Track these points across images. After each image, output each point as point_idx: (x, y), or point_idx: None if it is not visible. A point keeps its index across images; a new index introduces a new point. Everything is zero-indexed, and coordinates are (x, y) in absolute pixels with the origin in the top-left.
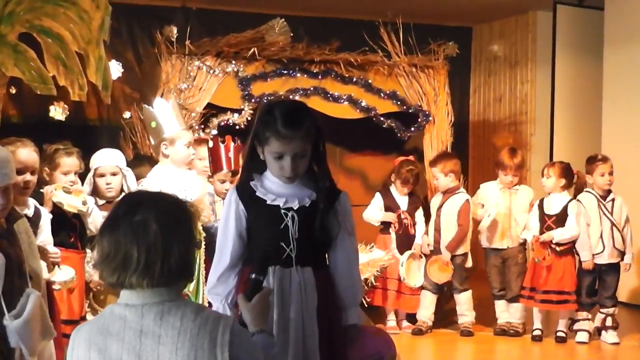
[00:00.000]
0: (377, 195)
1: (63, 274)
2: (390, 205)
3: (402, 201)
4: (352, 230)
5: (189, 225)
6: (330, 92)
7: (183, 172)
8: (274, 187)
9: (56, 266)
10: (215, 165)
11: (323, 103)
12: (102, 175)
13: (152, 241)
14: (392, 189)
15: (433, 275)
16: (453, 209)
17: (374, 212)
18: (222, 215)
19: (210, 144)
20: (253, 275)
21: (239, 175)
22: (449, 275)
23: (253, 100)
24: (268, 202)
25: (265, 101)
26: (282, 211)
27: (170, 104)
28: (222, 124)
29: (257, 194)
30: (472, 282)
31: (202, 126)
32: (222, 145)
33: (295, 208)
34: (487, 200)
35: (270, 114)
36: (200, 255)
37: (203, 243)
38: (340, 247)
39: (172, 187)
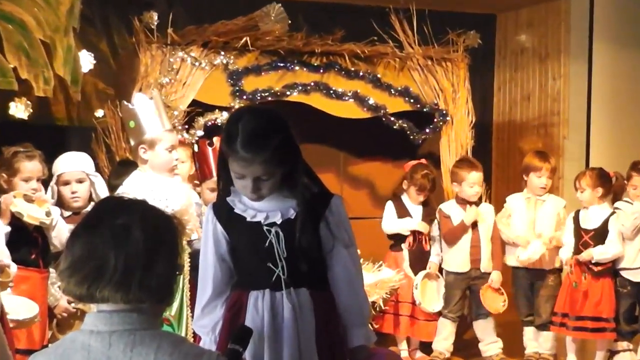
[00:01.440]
0: (389, 204)
1: (23, 310)
2: (403, 217)
3: (416, 211)
4: (350, 240)
5: (175, 242)
6: (333, 88)
7: (164, 179)
8: (253, 201)
9: (8, 287)
10: (202, 171)
11: (325, 100)
12: (66, 183)
13: (133, 249)
14: (405, 197)
15: (490, 304)
16: (483, 221)
17: (396, 222)
18: (202, 237)
19: (197, 147)
20: (231, 346)
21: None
22: (505, 302)
23: (245, 97)
24: (248, 219)
25: (240, 108)
26: (265, 228)
27: (153, 100)
28: (209, 124)
29: (235, 210)
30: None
31: (187, 126)
32: (209, 149)
33: (278, 222)
34: (513, 213)
35: (235, 125)
36: (185, 275)
37: (188, 261)
38: (337, 262)
39: (152, 196)
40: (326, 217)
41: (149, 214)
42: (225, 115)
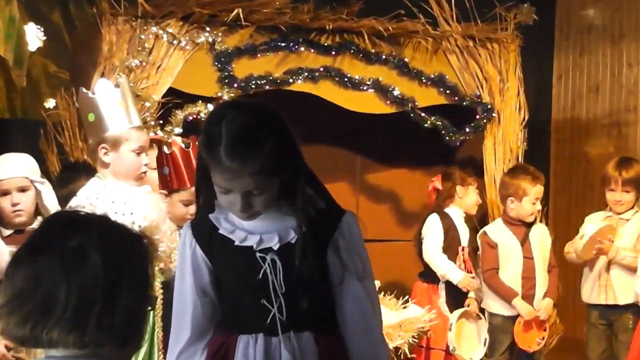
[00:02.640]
0: (433, 219)
1: None
2: (449, 235)
3: (464, 230)
4: (365, 270)
5: (144, 269)
6: (349, 75)
7: (130, 188)
8: (243, 220)
9: None
10: (178, 179)
11: (337, 91)
12: (5, 193)
13: (90, 279)
14: (453, 210)
15: (524, 339)
16: (539, 245)
17: (442, 258)
18: (177, 264)
19: (166, 147)
20: None
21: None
22: (543, 339)
23: (235, 86)
24: (237, 242)
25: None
26: (258, 255)
27: (119, 88)
28: (190, 119)
29: (220, 231)
30: (561, 354)
31: (161, 122)
32: (188, 151)
33: (275, 248)
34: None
35: (217, 125)
36: (157, 311)
37: (160, 293)
38: (348, 298)
39: (114, 209)
40: (335, 240)
41: (111, 234)
42: (210, 109)
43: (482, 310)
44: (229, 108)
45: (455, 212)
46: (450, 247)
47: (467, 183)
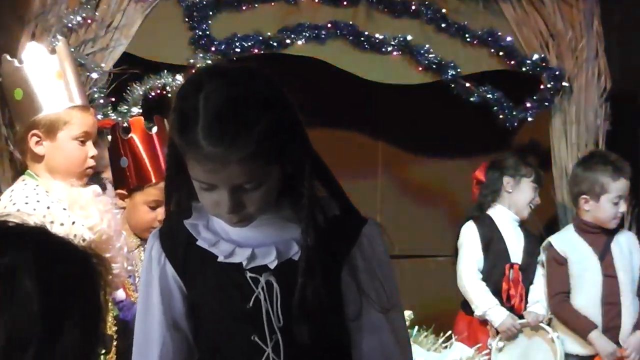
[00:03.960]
0: (468, 229)
1: None
2: (493, 248)
3: (516, 240)
4: (391, 298)
5: (93, 298)
6: (366, 33)
7: (73, 189)
8: (228, 227)
9: None
10: (140, 173)
11: (351, 54)
12: None
13: (21, 311)
14: (499, 212)
15: None
16: (625, 260)
17: (481, 287)
18: (140, 288)
19: (122, 131)
20: None
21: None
22: None
23: (214, 50)
24: (221, 258)
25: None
26: (249, 276)
27: (56, 55)
28: (152, 94)
29: (198, 243)
30: None
31: (113, 99)
32: (152, 135)
33: (271, 267)
34: None
35: (193, 98)
36: (110, 351)
37: (114, 330)
38: (368, 335)
39: (51, 218)
40: (352, 258)
41: (49, 252)
42: (179, 80)
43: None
44: (207, 76)
45: (502, 214)
46: (496, 266)
47: (519, 173)
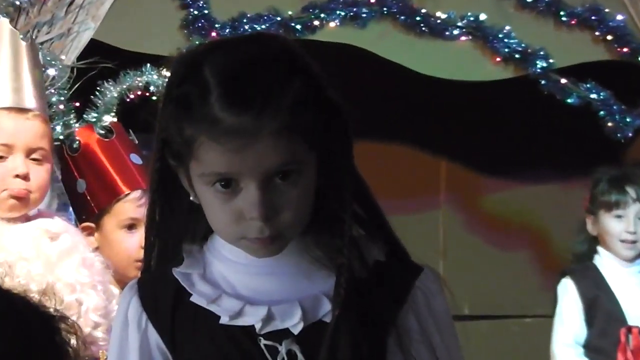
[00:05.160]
0: (564, 287)
1: None
2: (602, 309)
3: (632, 295)
4: None
5: None
6: (423, 12)
7: (9, 226)
8: (234, 276)
9: None
10: (107, 190)
11: (401, 41)
12: None
13: None
14: (604, 258)
15: None
16: None
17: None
18: (110, 355)
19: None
20: None
21: (143, 250)
22: None
23: (214, 35)
24: (225, 319)
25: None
26: (263, 343)
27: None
28: (130, 97)
29: (192, 298)
30: None
31: (77, 104)
32: (111, 141)
33: (295, 332)
34: None
35: (195, 73)
36: None
37: None
38: None
39: None
40: (402, 320)
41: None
42: (167, 78)
43: None
44: (206, 48)
45: (611, 262)
46: (606, 334)
47: (603, 205)
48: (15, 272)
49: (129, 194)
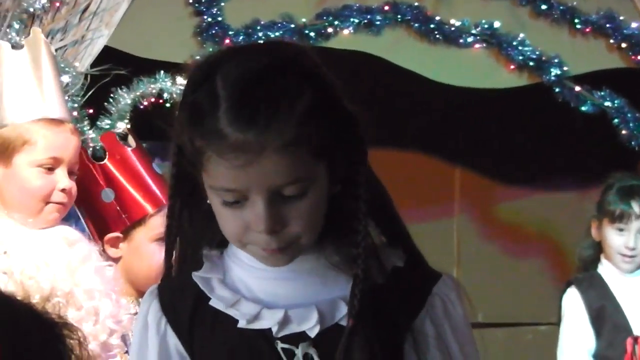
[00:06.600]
0: (569, 299)
1: None
2: (608, 320)
3: (634, 301)
4: None
5: None
6: (437, 19)
7: (30, 233)
8: (252, 281)
9: None
10: (138, 202)
11: (416, 48)
12: None
13: None
14: (607, 267)
15: None
16: None
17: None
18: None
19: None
20: None
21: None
22: None
23: (228, 42)
24: (242, 323)
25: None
26: (280, 347)
27: (26, 47)
28: (144, 104)
29: (211, 302)
30: None
31: (90, 111)
32: (128, 152)
33: (311, 335)
34: None
35: (207, 83)
36: None
37: None
38: None
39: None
40: (419, 327)
41: (6, 318)
42: (181, 85)
43: None
44: (222, 55)
45: (612, 271)
46: (612, 344)
47: (608, 214)
48: (39, 277)
49: (157, 212)
